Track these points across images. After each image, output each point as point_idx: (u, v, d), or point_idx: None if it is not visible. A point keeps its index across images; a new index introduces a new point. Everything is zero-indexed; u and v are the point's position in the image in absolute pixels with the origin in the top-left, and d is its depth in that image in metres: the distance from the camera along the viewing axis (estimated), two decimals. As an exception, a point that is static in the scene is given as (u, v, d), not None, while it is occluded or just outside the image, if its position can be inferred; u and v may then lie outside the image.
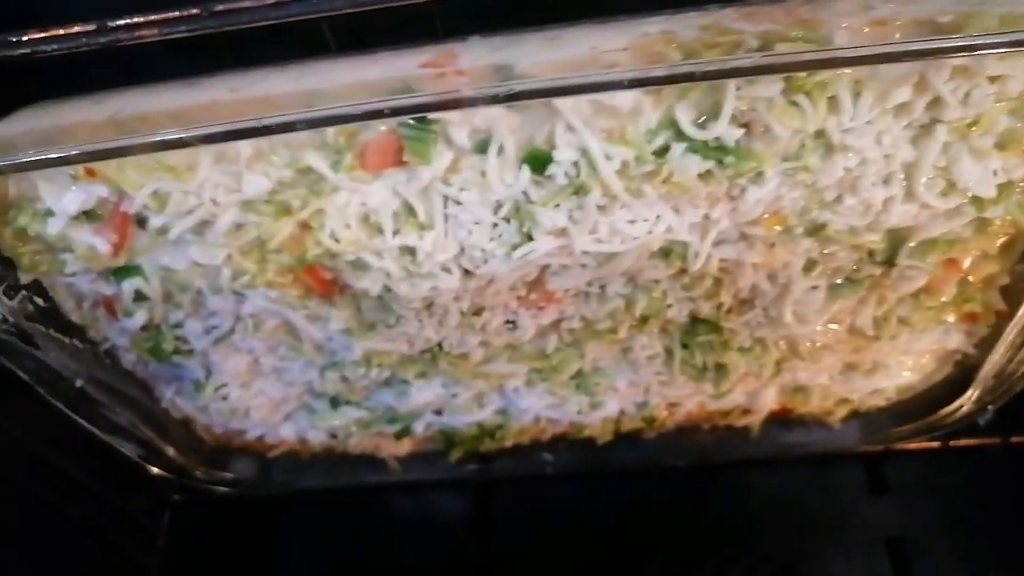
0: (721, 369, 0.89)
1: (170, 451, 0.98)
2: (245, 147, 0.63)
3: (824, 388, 0.95)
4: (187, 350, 0.84)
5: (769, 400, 0.97)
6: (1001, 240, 0.76)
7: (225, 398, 0.92)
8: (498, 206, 0.68)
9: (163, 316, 0.80)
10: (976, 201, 0.68)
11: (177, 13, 0.65)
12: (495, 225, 0.69)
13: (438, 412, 0.98)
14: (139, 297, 0.77)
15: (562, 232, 0.69)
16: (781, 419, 1.04)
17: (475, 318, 0.80)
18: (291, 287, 0.76)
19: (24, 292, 0.76)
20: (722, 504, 1.24)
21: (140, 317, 0.79)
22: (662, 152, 0.63)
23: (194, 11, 0.65)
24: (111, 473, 1.01)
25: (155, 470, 0.98)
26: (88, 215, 0.69)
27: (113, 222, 0.70)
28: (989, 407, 0.92)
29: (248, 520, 1.25)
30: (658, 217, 0.69)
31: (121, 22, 0.65)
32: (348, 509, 1.24)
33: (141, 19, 0.65)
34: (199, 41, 0.67)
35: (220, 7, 0.65)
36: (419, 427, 0.99)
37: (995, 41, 0.52)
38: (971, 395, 0.92)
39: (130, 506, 1.15)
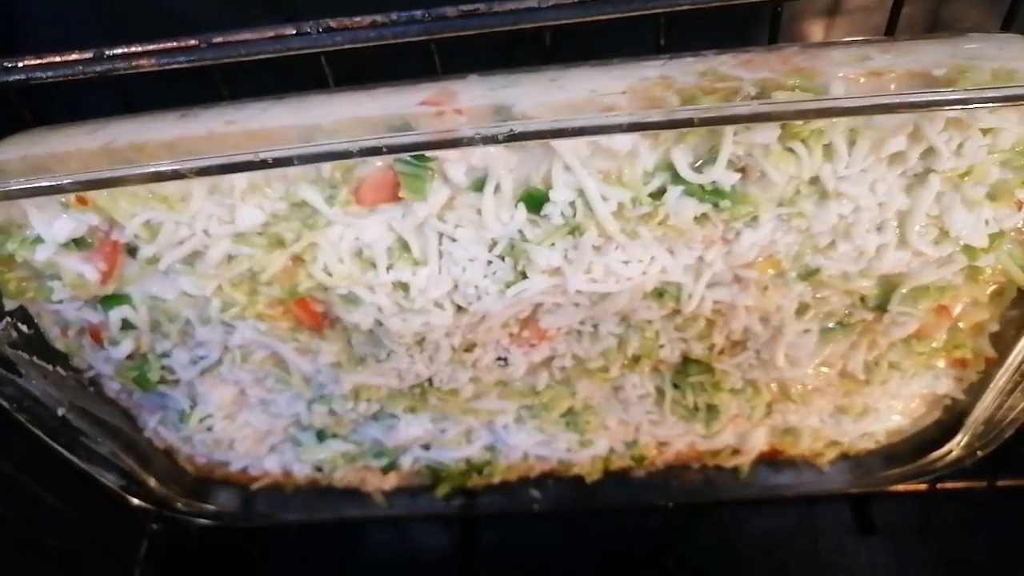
0: (712, 410, 0.88)
1: (151, 482, 0.96)
2: (240, 179, 0.63)
3: (814, 430, 0.95)
4: (173, 380, 0.83)
5: (759, 441, 0.97)
6: (991, 288, 0.76)
7: (210, 429, 0.90)
8: (493, 244, 0.68)
9: (150, 345, 0.79)
10: (968, 250, 0.68)
11: (175, 43, 0.65)
12: (489, 263, 0.69)
13: (426, 447, 0.97)
14: (126, 326, 0.76)
15: (556, 271, 0.68)
16: (771, 460, 1.03)
17: (466, 354, 0.79)
18: (281, 319, 0.75)
19: (8, 319, 0.75)
20: (710, 544, 1.24)
21: (127, 346, 0.78)
22: (659, 194, 0.64)
23: (192, 42, 0.65)
24: (90, 503, 0.99)
25: (136, 501, 0.96)
26: (78, 243, 0.68)
27: (103, 250, 0.69)
28: (978, 452, 0.91)
29: (228, 552, 1.23)
30: (653, 258, 0.69)
31: (118, 51, 0.65)
32: (331, 543, 1.23)
33: (139, 48, 0.65)
34: (197, 71, 0.67)
35: (219, 39, 0.65)
36: (406, 461, 0.98)
37: (988, 95, 0.53)
38: (960, 440, 0.92)
39: (108, 536, 1.13)
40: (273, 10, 0.73)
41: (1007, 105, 0.55)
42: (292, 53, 0.64)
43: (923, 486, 1.15)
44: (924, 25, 0.76)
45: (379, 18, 0.64)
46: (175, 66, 0.65)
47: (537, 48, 0.68)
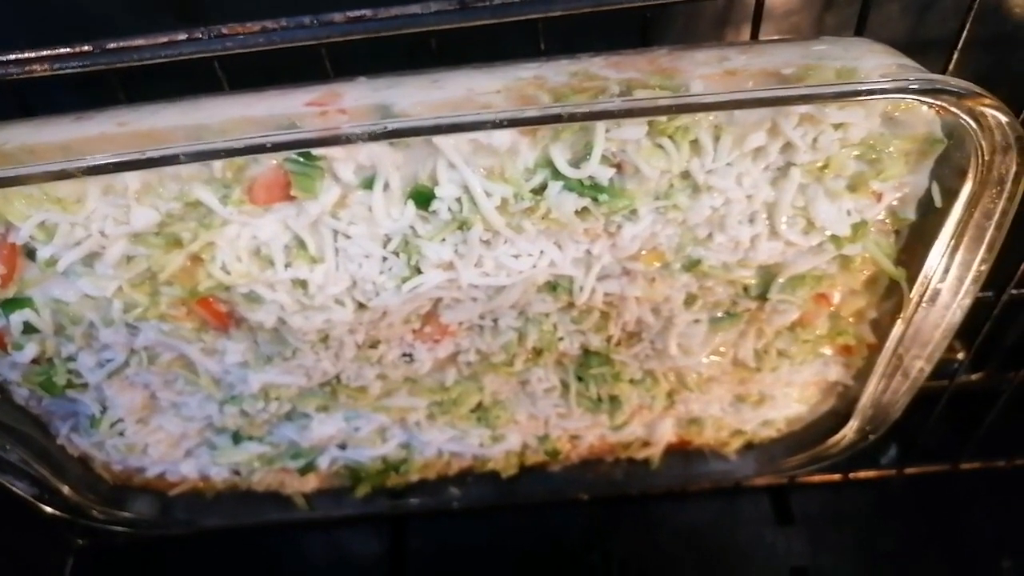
0: (615, 401, 0.92)
1: (65, 490, 0.95)
2: (133, 180, 0.65)
3: (717, 419, 0.99)
4: (80, 384, 0.83)
5: (666, 432, 1.01)
6: (865, 276, 0.81)
7: (122, 434, 0.91)
8: (387, 240, 0.70)
9: (55, 349, 0.80)
10: (835, 239, 0.73)
11: (69, 49, 0.67)
12: (384, 259, 0.71)
13: (342, 447, 0.98)
14: (29, 330, 0.76)
15: (449, 266, 0.71)
16: (681, 451, 1.07)
17: (371, 351, 0.81)
18: (185, 320, 0.77)
19: (-93, 325, 0.75)
20: (635, 539, 1.27)
21: (31, 350, 0.78)
22: (540, 190, 0.67)
23: (86, 48, 0.66)
24: (3, 514, 0.98)
25: (49, 510, 0.95)
26: (-26, 246, 0.69)
27: (1, 253, 0.70)
28: (869, 436, 0.96)
29: (155, 565, 1.22)
30: (541, 252, 0.72)
31: (11, 56, 0.67)
32: (257, 550, 1.23)
33: (32, 54, 0.67)
34: (93, 78, 0.69)
35: (112, 44, 0.66)
36: (323, 462, 0.99)
37: (831, 91, 0.58)
38: (852, 425, 0.97)
39: (29, 551, 1.12)
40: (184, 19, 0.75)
41: (847, 101, 0.59)
42: (184, 58, 0.66)
43: (837, 476, 1.21)
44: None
45: (269, 23, 0.66)
46: (69, 71, 0.66)
47: (427, 54, 0.71)
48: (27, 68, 0.66)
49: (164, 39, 0.66)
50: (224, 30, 0.66)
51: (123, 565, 1.21)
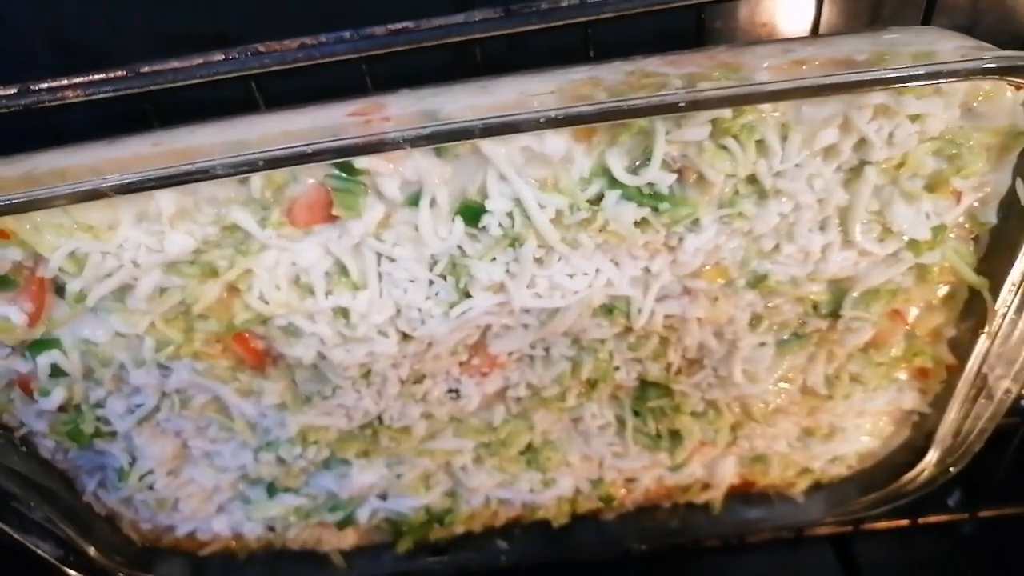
0: (675, 436, 0.86)
1: (92, 551, 0.90)
2: (167, 204, 0.61)
3: (783, 456, 0.92)
4: (109, 432, 0.79)
5: (728, 472, 0.94)
6: (943, 290, 0.76)
7: (152, 487, 0.85)
8: (433, 262, 0.66)
9: (83, 395, 0.75)
10: (912, 245, 0.68)
11: (102, 75, 0.64)
12: (431, 283, 0.67)
13: (383, 497, 0.92)
14: (57, 373, 0.72)
15: (500, 288, 0.67)
16: (743, 494, 1.00)
17: (416, 387, 0.76)
18: (220, 358, 0.72)
19: (-72, 373, 0.71)
20: (692, 596, 1.19)
21: (58, 396, 0.74)
22: (596, 200, 0.63)
23: (120, 72, 0.64)
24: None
25: (74, 574, 0.89)
26: (2, 282, 0.65)
27: (29, 289, 0.67)
28: (951, 469, 0.89)
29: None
30: (597, 270, 0.67)
31: (44, 85, 0.64)
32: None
33: (65, 81, 0.64)
34: (127, 112, 0.67)
35: (146, 68, 0.64)
36: (363, 515, 0.93)
37: (911, 73, 0.54)
38: (931, 458, 0.90)
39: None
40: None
41: (930, 83, 0.55)
42: (220, 77, 0.64)
43: (904, 522, 1.12)
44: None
45: (307, 40, 0.64)
46: (102, 95, 0.64)
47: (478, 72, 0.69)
48: (59, 95, 0.64)
49: (199, 60, 0.64)
50: (261, 48, 0.64)
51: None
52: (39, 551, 0.86)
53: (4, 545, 0.82)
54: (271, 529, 0.96)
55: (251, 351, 0.73)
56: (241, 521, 0.93)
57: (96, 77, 0.64)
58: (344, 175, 0.60)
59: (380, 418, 0.80)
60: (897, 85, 0.54)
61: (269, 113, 0.64)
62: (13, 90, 0.64)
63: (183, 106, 0.68)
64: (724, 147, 0.61)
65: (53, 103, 0.64)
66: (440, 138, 0.55)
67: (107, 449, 0.82)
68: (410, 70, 0.67)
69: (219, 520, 0.93)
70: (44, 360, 0.71)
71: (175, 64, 0.64)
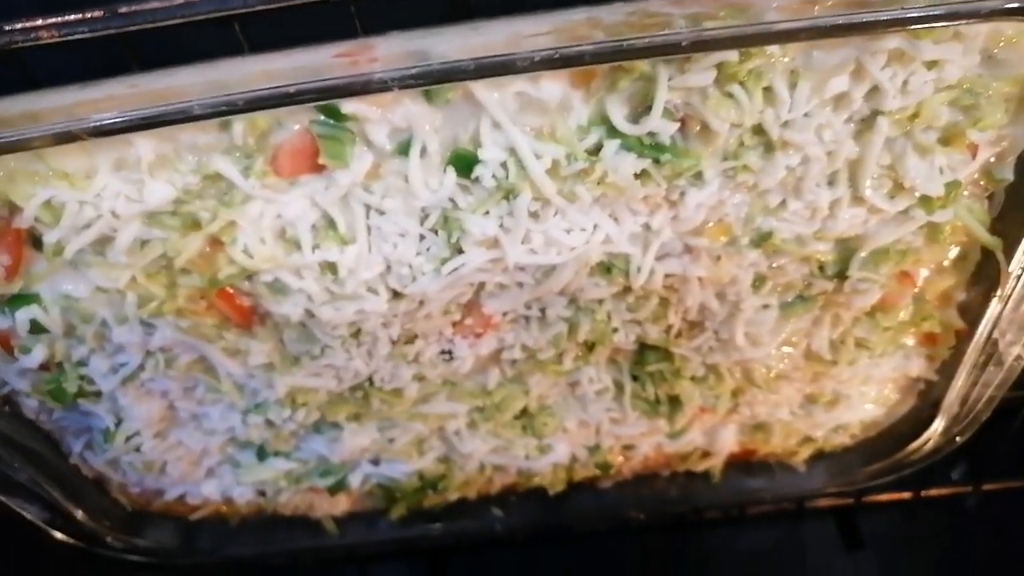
0: (675, 402, 0.83)
1: (79, 515, 0.88)
2: (146, 151, 0.59)
3: (785, 424, 0.90)
4: (93, 392, 0.77)
5: (729, 440, 0.92)
6: (954, 252, 0.73)
7: (138, 449, 0.83)
8: (424, 215, 0.64)
9: (65, 353, 0.73)
10: (925, 202, 0.65)
11: (79, 15, 0.61)
12: (422, 237, 0.65)
13: (375, 462, 0.90)
14: (37, 329, 0.70)
15: (494, 243, 0.64)
16: (744, 463, 0.98)
17: (407, 347, 0.74)
18: (204, 315, 0.70)
19: (-94, 328, 0.69)
20: (687, 567, 1.18)
21: (39, 353, 0.72)
22: (595, 150, 0.60)
23: (96, 13, 0.61)
24: (12, 542, 0.91)
25: (61, 536, 0.88)
26: (-26, 234, 0.63)
27: (5, 241, 0.64)
28: (957, 438, 0.87)
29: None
30: (595, 226, 0.65)
31: (17, 25, 0.61)
32: (284, 582, 1.15)
33: (40, 21, 0.61)
34: (108, 58, 0.63)
35: (124, 8, 0.61)
36: (355, 480, 0.91)
37: (931, 13, 0.51)
38: (937, 427, 0.87)
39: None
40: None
41: (950, 24, 0.52)
42: (201, 17, 0.61)
43: (908, 495, 1.10)
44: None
45: (293, -23, 0.61)
46: (78, 36, 0.61)
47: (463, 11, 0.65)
48: (33, 35, 0.61)
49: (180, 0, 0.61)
50: (244, -15, 0.60)
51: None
52: (25, 514, 0.84)
53: (-9, 510, 0.81)
54: (262, 494, 0.94)
55: (237, 308, 0.70)
56: (231, 485, 0.92)
57: (72, 17, 0.61)
58: (330, 121, 0.58)
59: (371, 380, 0.78)
60: (916, 26, 0.51)
61: (251, 56, 0.61)
62: (-15, 30, 0.61)
63: (164, 52, 0.65)
64: (730, 94, 0.58)
65: (26, 44, 0.61)
66: (430, 78, 0.52)
67: (92, 410, 0.80)
68: (402, 15, 0.64)
69: (209, 484, 0.91)
70: (23, 316, 0.69)
71: (155, 4, 0.61)
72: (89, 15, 0.61)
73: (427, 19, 0.66)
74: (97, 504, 0.91)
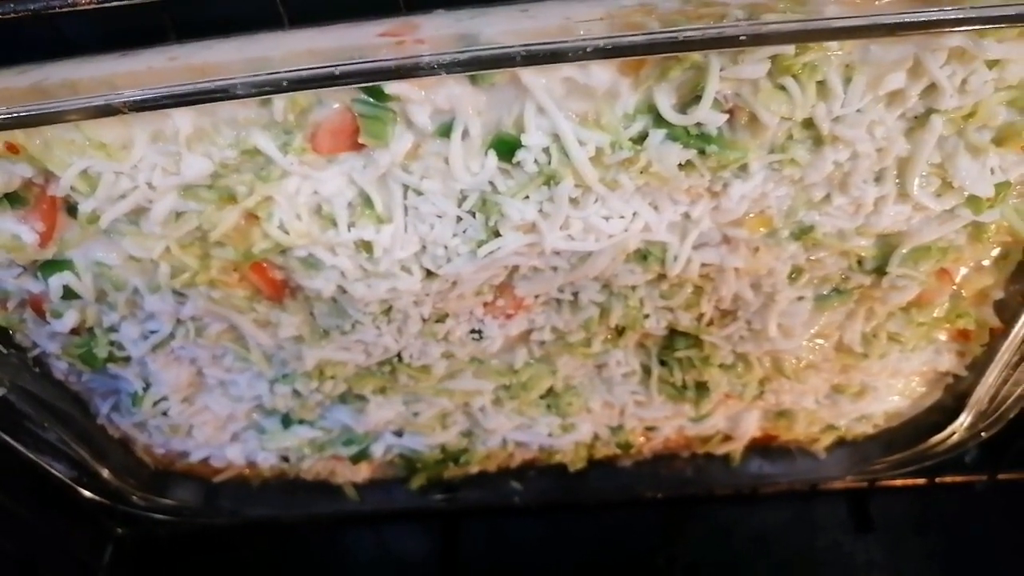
0: (701, 388, 0.83)
1: (105, 473, 0.90)
2: (184, 124, 0.58)
3: (809, 413, 0.90)
4: (123, 357, 0.77)
5: (752, 425, 0.92)
6: (996, 251, 0.72)
7: (165, 414, 0.84)
8: (463, 197, 0.63)
9: (96, 318, 0.73)
10: (972, 202, 0.64)
11: (117, -19, 0.60)
12: (459, 219, 0.64)
13: (398, 433, 0.91)
14: (69, 295, 0.70)
15: (531, 228, 0.63)
16: (764, 447, 0.98)
17: (438, 325, 0.74)
18: (236, 287, 0.70)
19: (-60, 289, 0.69)
20: (703, 543, 1.18)
21: (70, 318, 0.72)
22: (640, 139, 0.59)
23: (135, -22, 0.60)
24: (40, 499, 0.93)
25: (88, 494, 0.89)
26: (11, 199, 0.63)
27: (40, 208, 0.64)
28: (982, 434, 0.87)
29: (196, 558, 1.16)
30: (635, 214, 0.64)
31: (54, -11, 0.60)
32: (302, 544, 1.16)
33: (78, -14, 0.60)
34: (145, 26, 0.62)
35: (163, -26, 0.60)
36: (378, 450, 0.92)
37: (998, 14, 0.49)
38: (963, 421, 0.87)
39: (65, 538, 1.07)
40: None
41: (1017, 26, 0.50)
42: (243, -13, 0.59)
43: (922, 480, 1.10)
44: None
45: (338, -52, 0.59)
46: (115, 2, 0.60)
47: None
48: (71, 0, 0.60)
49: (221, -32, 0.59)
50: (289, -45, 0.59)
51: (162, 557, 1.15)
52: (53, 471, 0.86)
53: (20, 464, 0.81)
54: (285, 459, 0.95)
55: (269, 281, 0.70)
56: (255, 450, 0.93)
57: (110, -17, 0.60)
58: (372, 100, 0.56)
59: (399, 356, 0.78)
60: (984, 27, 0.49)
61: (293, 31, 0.59)
62: (22, -7, 0.60)
63: (203, 23, 0.63)
64: (782, 87, 0.56)
65: (63, 8, 0.60)
66: (479, 64, 0.50)
67: (121, 374, 0.80)
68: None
69: (233, 448, 0.92)
70: (56, 281, 0.69)
71: (196, -28, 0.60)
72: (127, -20, 0.60)
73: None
74: (122, 463, 0.93)
